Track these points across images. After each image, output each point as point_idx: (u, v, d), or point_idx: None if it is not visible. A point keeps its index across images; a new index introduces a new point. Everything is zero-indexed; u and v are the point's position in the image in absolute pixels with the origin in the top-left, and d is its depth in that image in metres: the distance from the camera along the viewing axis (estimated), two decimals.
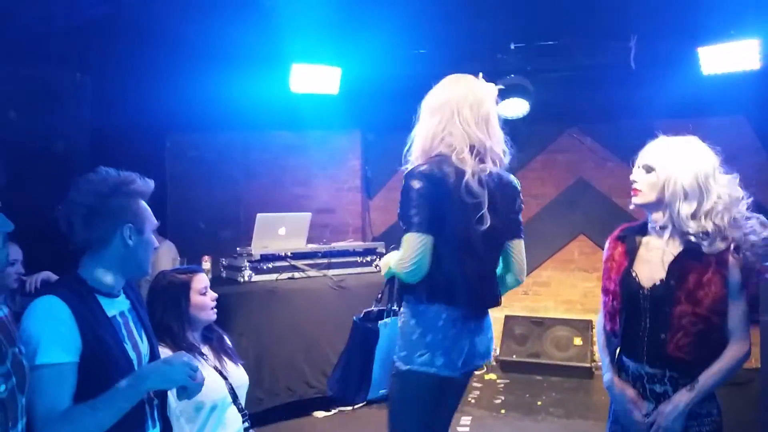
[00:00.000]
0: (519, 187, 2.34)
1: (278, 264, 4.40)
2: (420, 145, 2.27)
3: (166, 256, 4.76)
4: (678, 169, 1.99)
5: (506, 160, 2.32)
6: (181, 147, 6.45)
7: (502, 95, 5.23)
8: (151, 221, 1.79)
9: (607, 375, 2.17)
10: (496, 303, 2.30)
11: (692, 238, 1.98)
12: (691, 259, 1.99)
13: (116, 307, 1.75)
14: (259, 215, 4.39)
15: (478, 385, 5.35)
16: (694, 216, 1.98)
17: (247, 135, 6.32)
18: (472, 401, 4.96)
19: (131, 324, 1.79)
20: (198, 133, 6.34)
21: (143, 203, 1.77)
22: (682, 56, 4.76)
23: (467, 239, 2.17)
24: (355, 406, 4.64)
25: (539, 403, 4.85)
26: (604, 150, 5.91)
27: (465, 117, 2.23)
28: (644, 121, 5.46)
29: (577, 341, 5.51)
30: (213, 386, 2.27)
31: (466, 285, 2.18)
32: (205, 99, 5.22)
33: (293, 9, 4.15)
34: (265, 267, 4.35)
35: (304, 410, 4.52)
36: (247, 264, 4.28)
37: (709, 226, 1.96)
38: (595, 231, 5.90)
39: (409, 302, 2.22)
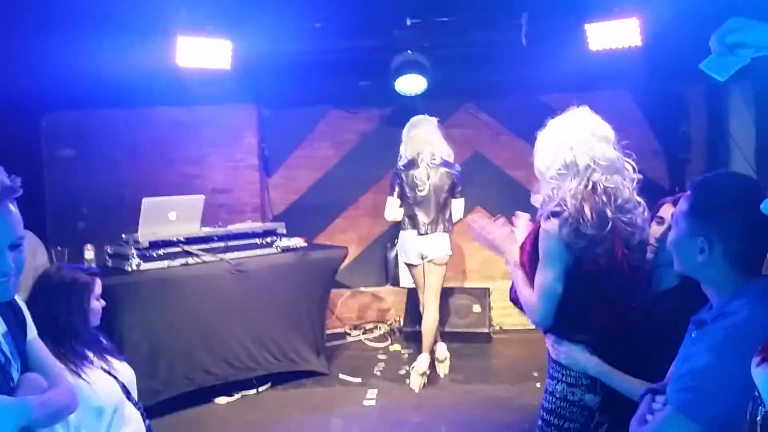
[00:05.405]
0: (454, 172, 4.66)
1: (170, 250, 4.14)
2: (402, 152, 4.77)
3: (27, 249, 4.39)
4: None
5: (451, 157, 4.71)
6: (59, 127, 5.96)
7: (400, 71, 5.24)
8: None
9: None
10: (439, 230, 4.67)
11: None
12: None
13: None
14: (145, 200, 4.10)
15: (383, 357, 5.41)
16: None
17: (132, 112, 5.91)
18: (378, 373, 5.00)
19: (4, 347, 1.60)
20: (77, 110, 5.86)
21: None
22: (570, 33, 4.94)
23: (416, 200, 4.64)
24: (260, 389, 4.55)
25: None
26: (498, 124, 6.06)
27: (420, 139, 4.67)
28: (535, 96, 5.67)
29: (476, 308, 5.68)
30: (108, 390, 2.20)
31: (420, 221, 4.66)
32: (83, 74, 4.78)
33: None
34: (155, 254, 4.07)
35: (205, 398, 4.38)
36: (135, 252, 3.99)
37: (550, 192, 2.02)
38: (490, 203, 6.03)
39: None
